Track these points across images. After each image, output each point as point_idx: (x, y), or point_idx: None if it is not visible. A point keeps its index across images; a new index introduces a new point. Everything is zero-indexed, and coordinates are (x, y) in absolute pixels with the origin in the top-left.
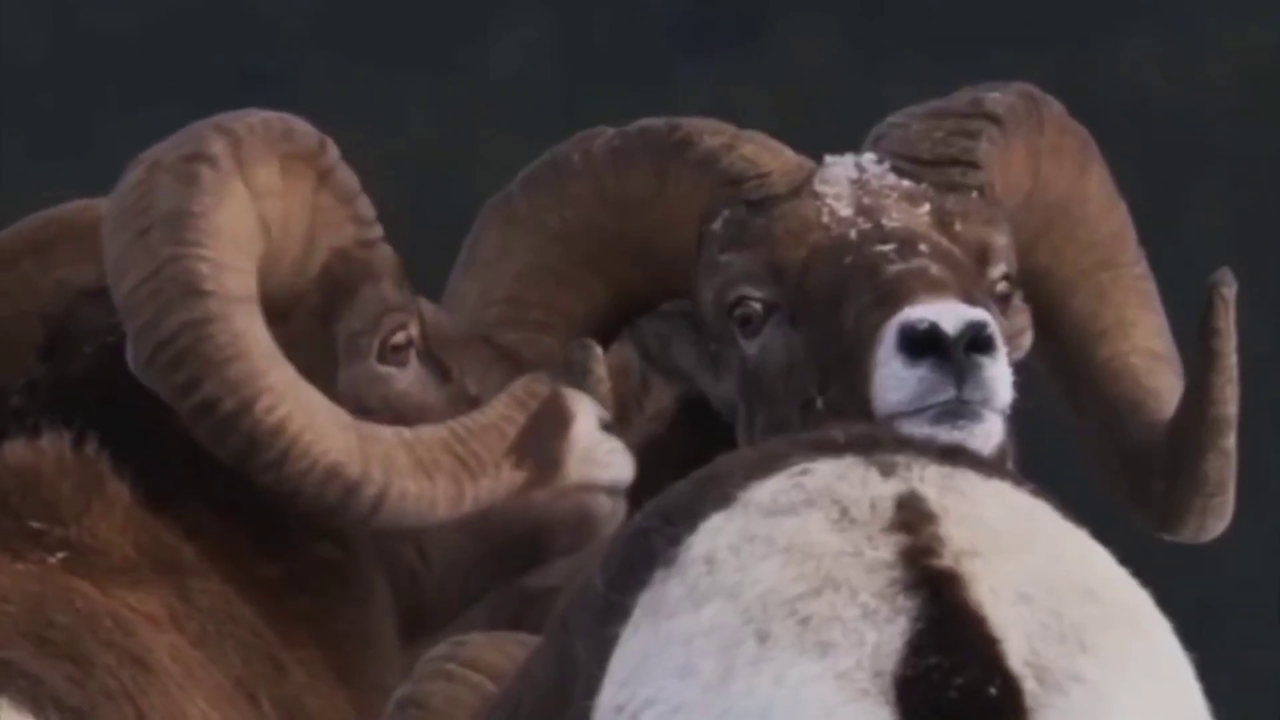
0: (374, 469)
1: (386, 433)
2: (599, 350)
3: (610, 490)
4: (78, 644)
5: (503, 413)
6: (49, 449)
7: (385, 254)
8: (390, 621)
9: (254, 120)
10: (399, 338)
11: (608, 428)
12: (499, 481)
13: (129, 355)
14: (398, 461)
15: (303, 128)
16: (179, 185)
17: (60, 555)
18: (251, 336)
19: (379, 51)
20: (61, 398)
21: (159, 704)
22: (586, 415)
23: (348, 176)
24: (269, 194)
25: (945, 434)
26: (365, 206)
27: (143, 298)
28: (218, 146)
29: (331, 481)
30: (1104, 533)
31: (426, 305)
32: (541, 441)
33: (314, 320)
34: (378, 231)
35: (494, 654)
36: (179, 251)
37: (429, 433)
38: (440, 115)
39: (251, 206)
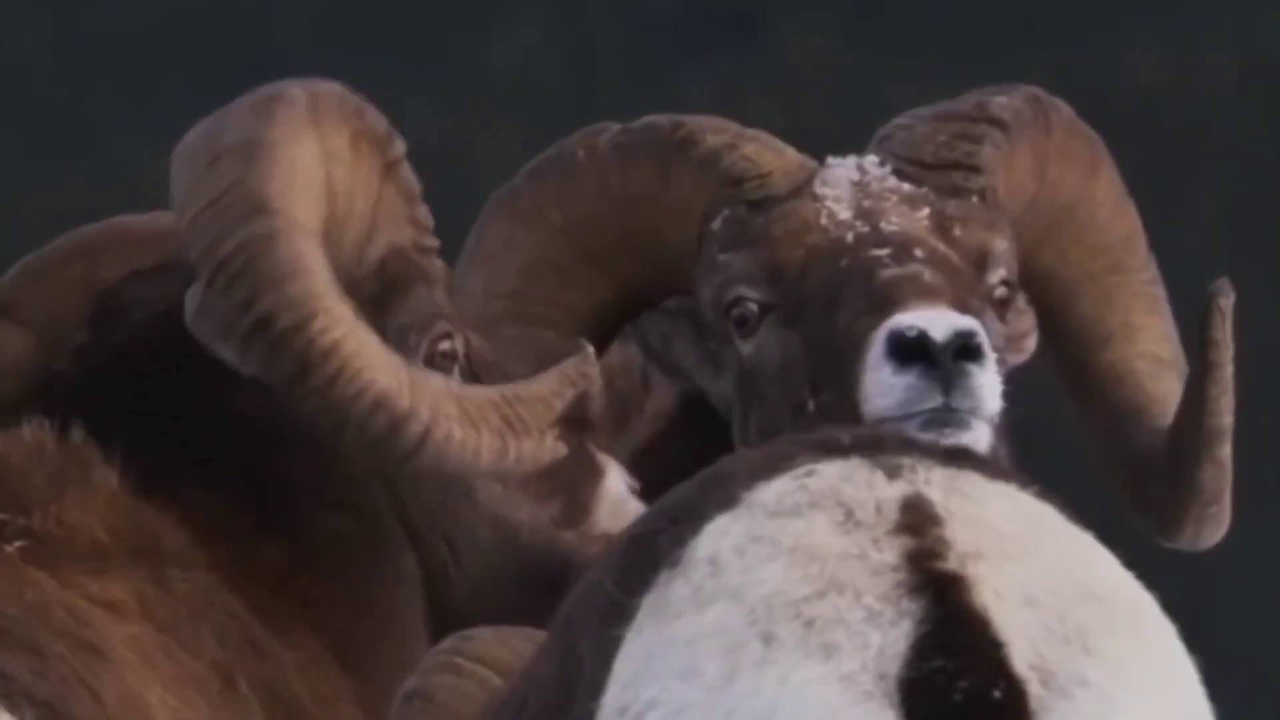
0: (422, 406)
1: (436, 380)
2: (592, 350)
3: None
4: (31, 635)
5: (551, 387)
6: (30, 438)
7: (440, 266)
8: (417, 599)
9: (331, 87)
10: (446, 346)
11: (634, 492)
12: (543, 448)
13: (187, 302)
14: (445, 407)
15: (375, 112)
16: (253, 118)
17: (18, 544)
18: (314, 260)
19: (380, 50)
20: (102, 364)
21: (113, 687)
22: (616, 472)
23: (411, 178)
24: (338, 160)
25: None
26: (425, 214)
27: (207, 220)
28: (296, 92)
29: (379, 411)
30: (1106, 534)
31: (471, 333)
32: (575, 485)
33: (368, 310)
34: (434, 242)
35: (501, 649)
36: (248, 174)
37: (477, 390)
38: (441, 114)
39: (321, 164)
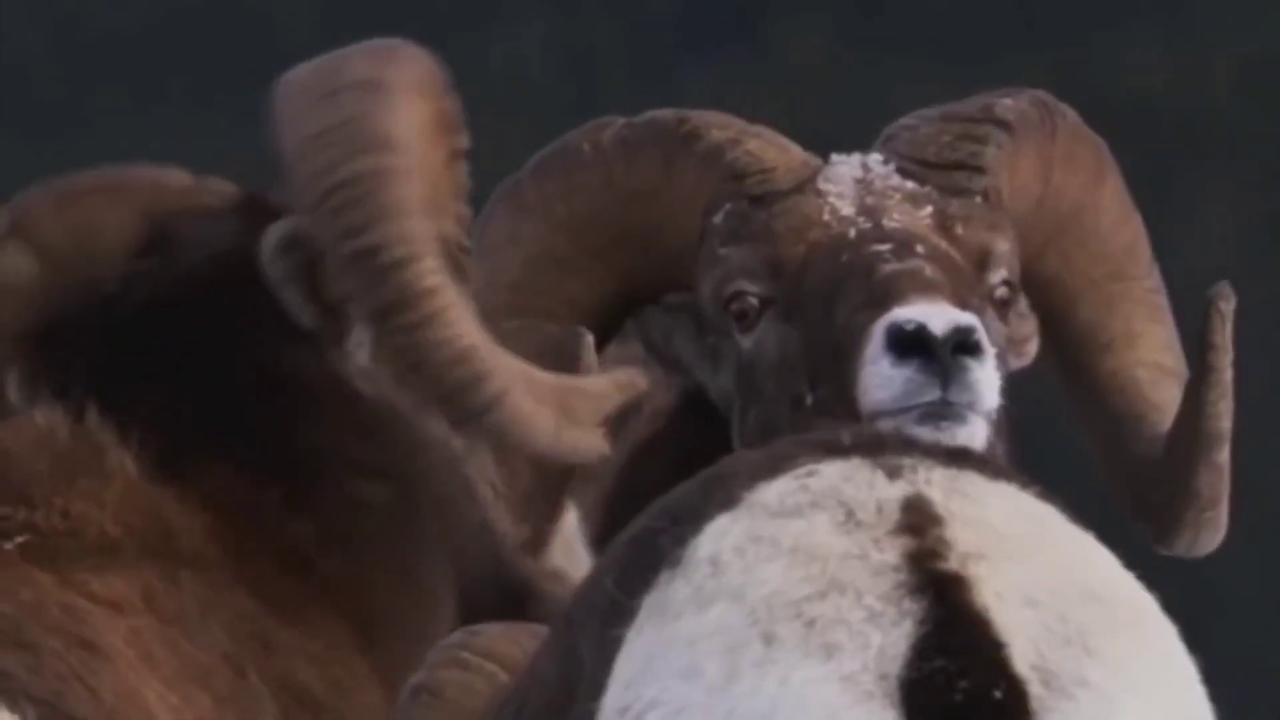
0: (500, 370)
1: (507, 353)
2: (590, 338)
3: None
4: (22, 631)
5: (604, 388)
6: (42, 423)
7: (474, 269)
8: (445, 569)
9: (430, 58)
10: None
11: (589, 544)
12: (593, 441)
13: (268, 236)
14: (517, 377)
15: (454, 97)
16: (376, 62)
17: (19, 540)
18: (424, 209)
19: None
20: (155, 298)
21: (110, 682)
22: (571, 512)
23: (465, 175)
24: (421, 131)
25: (928, 435)
26: (467, 214)
27: (322, 146)
28: (411, 50)
29: (462, 363)
30: (1107, 535)
31: None
32: (539, 516)
33: None
34: (469, 243)
35: (508, 645)
36: (374, 109)
37: (540, 372)
38: None
39: (414, 129)
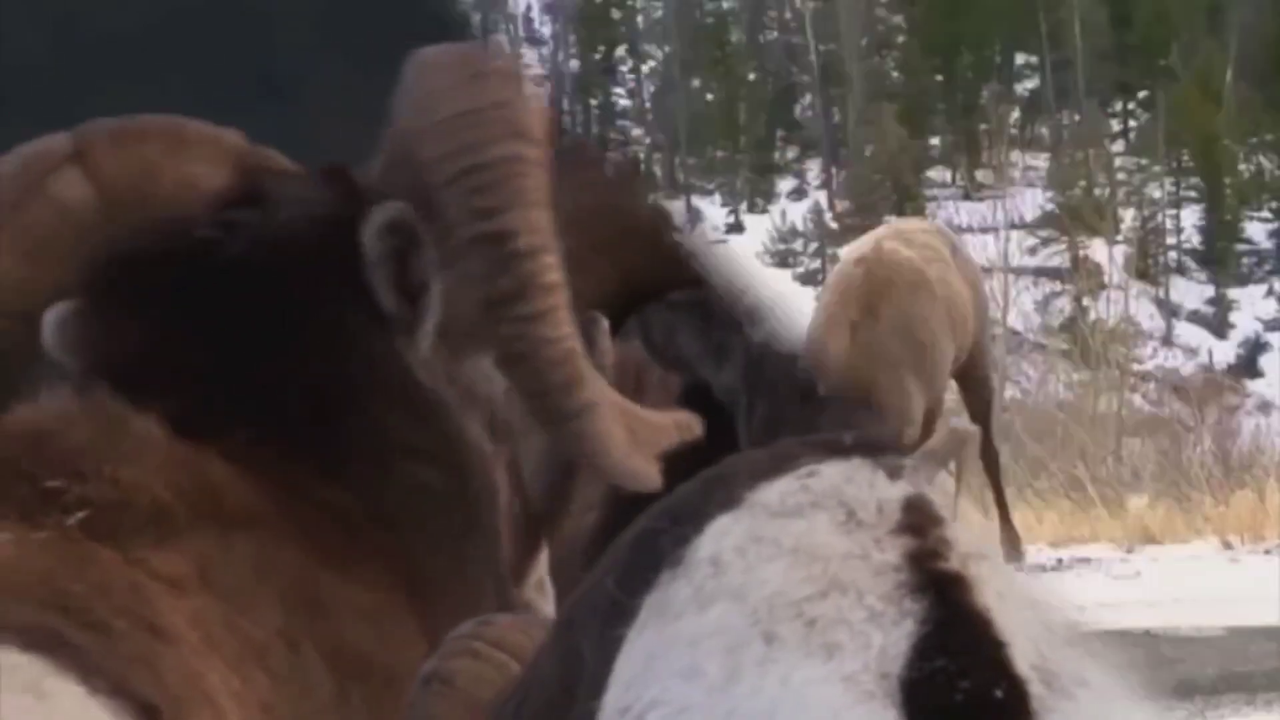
0: (594, 381)
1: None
2: (605, 323)
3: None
4: (91, 612)
5: (665, 423)
6: (54, 404)
7: None
8: (495, 550)
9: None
10: None
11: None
12: (646, 471)
13: (374, 215)
14: (606, 392)
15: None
16: (516, 58)
17: (79, 516)
18: (550, 206)
19: (383, 50)
20: (256, 249)
21: (174, 666)
22: (544, 551)
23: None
24: (546, 130)
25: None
26: None
27: (464, 125)
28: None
29: (564, 364)
30: None
31: None
32: (520, 548)
33: None
34: None
35: (520, 635)
36: (519, 100)
37: (614, 392)
38: None
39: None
